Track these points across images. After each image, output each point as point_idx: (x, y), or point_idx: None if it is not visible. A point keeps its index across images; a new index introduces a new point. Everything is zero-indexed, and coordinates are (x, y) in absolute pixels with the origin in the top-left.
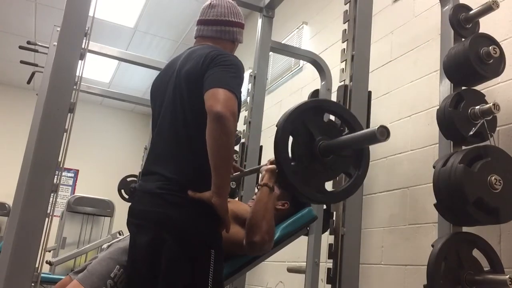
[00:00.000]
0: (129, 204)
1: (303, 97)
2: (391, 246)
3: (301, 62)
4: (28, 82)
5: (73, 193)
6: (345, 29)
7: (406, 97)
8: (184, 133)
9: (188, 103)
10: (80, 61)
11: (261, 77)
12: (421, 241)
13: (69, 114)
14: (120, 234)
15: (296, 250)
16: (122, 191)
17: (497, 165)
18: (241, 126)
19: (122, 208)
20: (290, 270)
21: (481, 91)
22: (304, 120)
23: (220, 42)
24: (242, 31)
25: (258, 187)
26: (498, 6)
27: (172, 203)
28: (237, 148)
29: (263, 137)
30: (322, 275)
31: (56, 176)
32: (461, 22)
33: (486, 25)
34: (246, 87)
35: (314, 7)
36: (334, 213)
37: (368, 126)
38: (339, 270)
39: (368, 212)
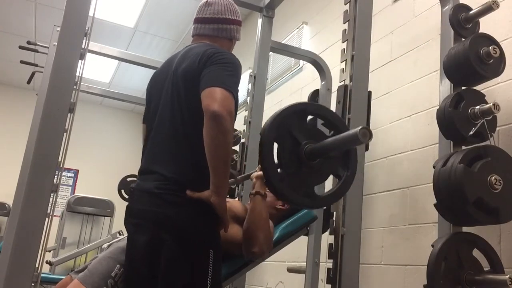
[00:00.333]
0: (127, 203)
1: (303, 97)
2: (391, 246)
3: (301, 62)
4: (28, 82)
5: (73, 193)
6: (345, 29)
7: (406, 97)
8: (182, 132)
9: (185, 101)
10: (80, 61)
11: (261, 77)
12: (421, 241)
13: (69, 114)
14: (120, 234)
15: (296, 250)
16: (122, 191)
17: (497, 165)
18: (241, 126)
19: (122, 208)
20: (290, 270)
21: (481, 91)
22: (287, 126)
23: (218, 40)
24: (240, 28)
25: (251, 196)
26: (498, 6)
27: (171, 202)
28: (237, 148)
29: None
30: (322, 275)
31: (56, 176)
32: (461, 22)
33: (486, 25)
34: (246, 87)
35: (314, 7)
36: (334, 213)
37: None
38: (339, 270)
39: (368, 212)
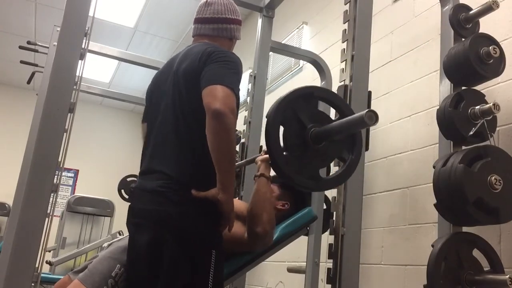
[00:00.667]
0: (129, 204)
1: None
2: (391, 246)
3: (301, 62)
4: (28, 82)
5: (73, 193)
6: (345, 29)
7: (406, 97)
8: (184, 132)
9: (187, 100)
10: (80, 61)
11: (261, 77)
12: (421, 241)
13: (69, 114)
14: (120, 234)
15: (296, 250)
16: (122, 191)
17: (497, 165)
18: (241, 126)
19: (122, 208)
20: (290, 270)
21: (481, 91)
22: (294, 109)
23: (218, 39)
24: (240, 28)
25: (255, 178)
26: (498, 6)
27: (173, 201)
28: (237, 148)
29: (263, 137)
30: (322, 275)
31: (56, 176)
32: (461, 22)
33: (486, 25)
34: (246, 87)
35: (314, 7)
36: (334, 213)
37: None
38: (339, 270)
39: (368, 212)
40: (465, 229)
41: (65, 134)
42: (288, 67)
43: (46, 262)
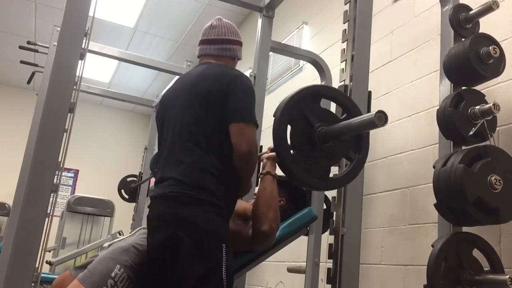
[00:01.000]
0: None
1: None
2: (391, 246)
3: (301, 62)
4: (28, 82)
5: (73, 193)
6: (345, 29)
7: (406, 97)
8: (195, 142)
9: (206, 118)
10: (80, 61)
11: (261, 77)
12: (421, 241)
13: (69, 114)
14: (120, 234)
15: (296, 250)
16: (122, 191)
17: (497, 165)
18: None
19: (122, 208)
20: (290, 270)
21: (481, 91)
22: (301, 108)
23: (222, 59)
24: (241, 48)
25: (261, 176)
26: (498, 6)
27: (184, 203)
28: None
29: (263, 137)
30: (322, 275)
31: (56, 176)
32: (461, 22)
33: (486, 25)
34: None
35: (314, 7)
36: (334, 213)
37: None
38: (339, 270)
39: (368, 212)
40: (465, 229)
41: (65, 134)
42: (288, 67)
43: (46, 262)
